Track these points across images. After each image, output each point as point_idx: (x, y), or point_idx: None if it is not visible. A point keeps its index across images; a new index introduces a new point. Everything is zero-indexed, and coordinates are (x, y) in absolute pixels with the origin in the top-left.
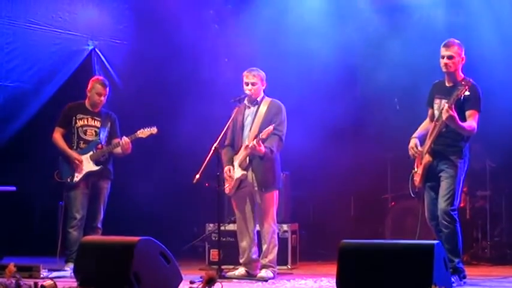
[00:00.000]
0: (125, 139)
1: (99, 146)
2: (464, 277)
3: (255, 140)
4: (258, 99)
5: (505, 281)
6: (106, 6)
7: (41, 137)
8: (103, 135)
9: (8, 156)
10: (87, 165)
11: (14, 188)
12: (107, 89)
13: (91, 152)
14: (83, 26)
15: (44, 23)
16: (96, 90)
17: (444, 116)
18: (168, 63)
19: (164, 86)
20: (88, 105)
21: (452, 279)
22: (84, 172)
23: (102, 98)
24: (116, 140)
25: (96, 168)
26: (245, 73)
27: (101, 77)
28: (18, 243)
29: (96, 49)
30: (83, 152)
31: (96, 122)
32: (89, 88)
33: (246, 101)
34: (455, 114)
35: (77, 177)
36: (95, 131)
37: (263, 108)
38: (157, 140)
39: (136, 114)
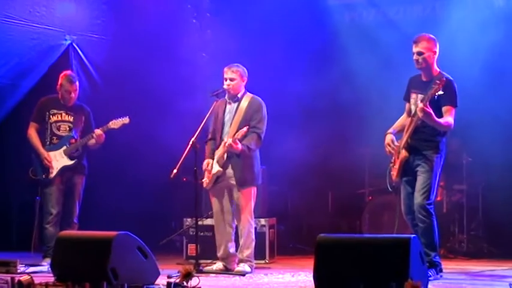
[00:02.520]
0: (97, 131)
1: (72, 140)
2: (441, 271)
3: (232, 138)
4: (239, 95)
5: (482, 275)
6: (83, 1)
7: (18, 132)
8: (77, 130)
9: None
10: (62, 160)
11: None
12: (75, 84)
13: (64, 147)
14: (60, 21)
15: (20, 18)
16: (65, 87)
17: (420, 113)
18: (146, 58)
19: (142, 81)
20: (61, 100)
21: (429, 273)
22: (58, 167)
23: (72, 94)
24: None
25: (70, 162)
26: (225, 69)
27: (69, 73)
28: None
29: (73, 44)
30: (56, 147)
31: (69, 117)
32: (58, 85)
33: (226, 97)
34: (431, 111)
35: (52, 173)
36: (69, 126)
37: (244, 105)
38: (135, 134)
39: (115, 109)
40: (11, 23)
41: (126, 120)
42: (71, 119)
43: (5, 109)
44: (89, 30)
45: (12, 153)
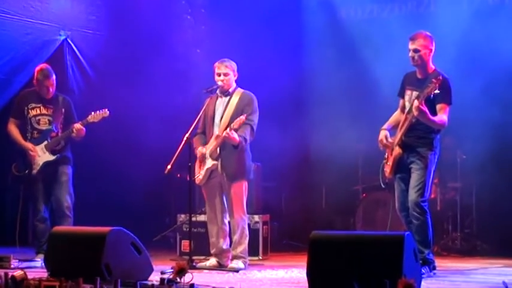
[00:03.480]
0: (77, 125)
1: (53, 134)
2: (434, 268)
3: (228, 129)
4: (230, 90)
5: (475, 272)
6: None
7: None
8: (57, 123)
9: None
10: (43, 155)
11: None
12: (51, 78)
13: (45, 142)
14: (54, 16)
15: (15, 13)
16: (40, 82)
17: (415, 112)
18: (141, 53)
19: (137, 77)
20: (39, 93)
21: (423, 270)
22: (40, 163)
23: (50, 88)
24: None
25: (52, 157)
26: (217, 64)
27: (44, 66)
28: None
29: (68, 39)
30: (37, 142)
31: (48, 110)
32: (34, 79)
33: (218, 92)
34: (426, 109)
35: (35, 169)
36: (48, 120)
37: (235, 99)
38: (129, 130)
39: (109, 104)
40: (5, 18)
41: (105, 113)
42: (50, 112)
43: None
44: (83, 25)
45: (7, 148)
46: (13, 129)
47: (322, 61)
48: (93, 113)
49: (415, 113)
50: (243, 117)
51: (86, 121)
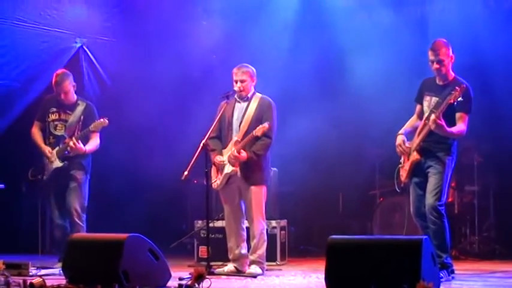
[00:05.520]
0: (68, 141)
1: (66, 140)
2: (453, 272)
3: (235, 149)
4: (249, 95)
5: (493, 276)
6: (93, 3)
7: (28, 135)
8: (70, 129)
9: None
10: (55, 161)
11: (2, 186)
12: (65, 83)
13: (57, 148)
14: (70, 24)
15: (31, 21)
16: (57, 88)
17: (432, 125)
18: (157, 60)
19: (153, 83)
20: (59, 98)
21: (441, 274)
22: (51, 169)
23: (66, 93)
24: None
25: (60, 164)
26: (234, 70)
27: (60, 71)
28: (3, 240)
29: (84, 46)
30: (52, 147)
31: (67, 116)
32: (53, 84)
33: (236, 96)
34: (443, 123)
35: (46, 175)
36: (64, 126)
37: (253, 105)
38: (145, 136)
39: (125, 111)
40: (22, 26)
41: (104, 122)
42: (68, 117)
43: (16, 111)
44: (99, 33)
45: (22, 156)
46: (35, 132)
47: (340, 64)
48: (93, 122)
49: (432, 126)
50: (266, 125)
51: (87, 130)
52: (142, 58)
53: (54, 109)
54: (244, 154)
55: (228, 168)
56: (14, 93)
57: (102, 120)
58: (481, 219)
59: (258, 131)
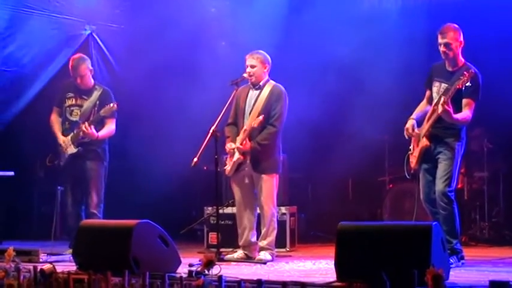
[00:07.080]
0: (82, 126)
1: (80, 125)
2: (463, 258)
3: (240, 141)
4: (261, 83)
5: (504, 262)
6: None
7: (39, 121)
8: (84, 115)
9: (6, 141)
10: (69, 148)
11: (12, 173)
12: (80, 67)
13: (71, 134)
14: (79, 11)
15: (40, 8)
16: (73, 72)
17: (440, 110)
18: (166, 47)
19: (162, 70)
20: (78, 83)
21: (451, 260)
22: (66, 155)
23: (81, 78)
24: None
25: (74, 150)
26: (247, 56)
27: (76, 56)
28: (16, 227)
29: (93, 33)
30: (67, 133)
31: (83, 101)
32: (69, 68)
33: (250, 84)
34: (451, 109)
35: (62, 161)
36: (79, 111)
37: (265, 92)
38: (155, 123)
39: (135, 97)
40: (31, 13)
41: (114, 107)
42: (84, 103)
43: (26, 99)
44: (108, 19)
45: (33, 144)
46: (54, 120)
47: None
48: (103, 108)
49: (440, 110)
50: (260, 118)
51: (98, 116)
52: (152, 44)
53: (71, 94)
54: (247, 144)
55: (236, 156)
56: (24, 81)
57: (111, 104)
58: (490, 205)
59: (255, 122)
